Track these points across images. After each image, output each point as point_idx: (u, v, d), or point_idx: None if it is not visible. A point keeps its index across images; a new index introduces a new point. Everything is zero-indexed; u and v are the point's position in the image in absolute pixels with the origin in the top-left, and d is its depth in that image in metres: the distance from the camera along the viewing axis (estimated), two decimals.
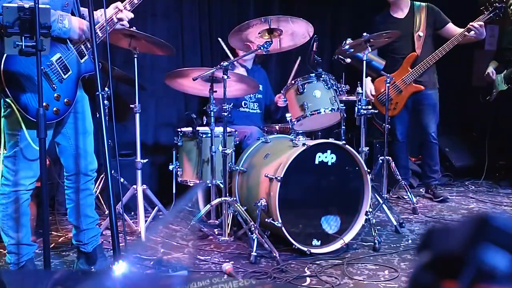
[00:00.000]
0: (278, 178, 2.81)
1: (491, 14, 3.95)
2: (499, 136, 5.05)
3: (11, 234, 2.42)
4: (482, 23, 3.94)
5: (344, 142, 3.01)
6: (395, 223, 3.37)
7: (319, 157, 2.95)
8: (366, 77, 3.39)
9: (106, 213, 3.61)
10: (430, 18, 4.14)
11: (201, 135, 3.45)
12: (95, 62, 1.99)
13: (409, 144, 4.51)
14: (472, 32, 3.95)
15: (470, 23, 3.95)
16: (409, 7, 4.19)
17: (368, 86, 4.16)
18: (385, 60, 4.14)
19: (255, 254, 2.76)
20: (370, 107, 3.38)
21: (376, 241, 2.99)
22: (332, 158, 2.98)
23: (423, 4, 4.19)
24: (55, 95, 2.30)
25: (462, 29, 4.05)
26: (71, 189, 2.59)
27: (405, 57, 4.13)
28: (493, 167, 5.05)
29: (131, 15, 2.49)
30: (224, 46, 3.93)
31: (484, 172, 4.91)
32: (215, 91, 3.20)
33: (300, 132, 3.21)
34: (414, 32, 4.12)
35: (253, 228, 2.83)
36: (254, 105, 4.14)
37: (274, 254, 2.76)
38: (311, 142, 2.96)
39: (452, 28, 4.15)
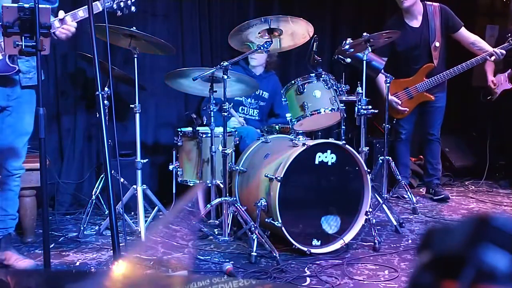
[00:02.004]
0: (278, 178, 2.81)
1: None
2: (499, 136, 5.05)
3: None
4: (504, 51, 4.00)
5: (344, 142, 3.02)
6: (395, 223, 3.37)
7: (319, 157, 2.95)
8: (366, 77, 3.38)
9: (106, 213, 3.61)
10: (444, 24, 4.11)
11: (201, 135, 3.45)
12: (95, 63, 1.99)
13: (410, 144, 4.51)
14: (494, 57, 4.01)
15: (494, 49, 4.01)
16: (422, 12, 4.12)
17: (394, 100, 4.13)
18: (404, 68, 4.17)
19: (255, 254, 2.76)
20: (370, 107, 3.38)
21: (376, 241, 2.99)
22: (332, 158, 2.98)
23: (436, 4, 4.14)
24: None
25: (475, 35, 4.13)
26: None
27: (420, 65, 4.14)
28: (493, 167, 5.05)
29: (74, 25, 2.50)
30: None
31: (485, 173, 4.90)
32: (215, 91, 3.20)
33: (300, 132, 3.21)
34: (430, 42, 4.10)
35: (253, 228, 2.83)
36: (253, 112, 4.08)
37: (274, 254, 2.76)
38: (311, 142, 2.96)
39: (465, 33, 4.17)
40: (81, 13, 2.49)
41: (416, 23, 4.15)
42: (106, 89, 3.12)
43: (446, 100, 4.29)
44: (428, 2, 4.16)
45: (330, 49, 4.82)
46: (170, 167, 3.56)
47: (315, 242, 2.94)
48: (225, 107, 3.06)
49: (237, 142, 3.60)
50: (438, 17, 4.11)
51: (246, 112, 4.07)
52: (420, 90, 4.16)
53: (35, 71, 2.52)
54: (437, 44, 4.11)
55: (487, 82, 4.60)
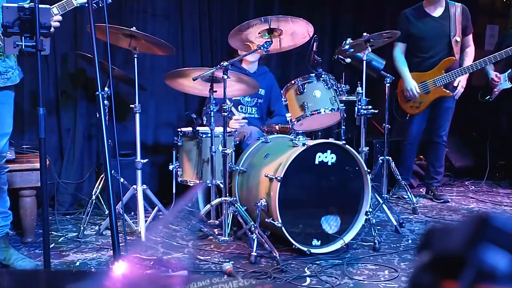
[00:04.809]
0: (278, 178, 2.81)
1: None
2: (499, 136, 5.04)
3: None
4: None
5: (344, 142, 3.01)
6: (395, 223, 3.37)
7: (319, 157, 2.95)
8: (366, 77, 3.38)
9: (106, 213, 3.61)
10: (463, 23, 4.12)
11: (201, 135, 3.45)
12: (95, 63, 1.99)
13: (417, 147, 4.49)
14: None
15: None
16: (444, 6, 4.11)
17: (412, 83, 4.09)
18: (418, 60, 4.14)
19: (255, 254, 2.76)
20: (370, 107, 3.38)
21: (376, 241, 2.99)
22: (332, 158, 2.98)
23: (458, 5, 4.12)
24: None
25: (473, 48, 4.19)
26: None
27: (437, 58, 4.10)
28: (493, 167, 5.05)
29: (59, 18, 2.48)
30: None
31: (486, 173, 4.90)
32: (215, 91, 3.20)
33: (300, 132, 3.21)
34: (450, 35, 4.07)
35: (253, 228, 2.83)
36: (252, 110, 4.08)
37: (274, 254, 2.76)
38: (311, 142, 2.96)
39: (470, 39, 4.20)
40: (55, 10, 2.47)
41: (437, 13, 4.12)
42: (106, 89, 3.12)
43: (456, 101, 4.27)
44: (450, 2, 4.13)
45: (330, 49, 4.82)
46: (170, 167, 3.56)
47: (315, 242, 2.94)
48: (225, 107, 3.06)
49: (237, 142, 3.60)
50: (460, 14, 4.09)
51: (245, 111, 4.06)
52: (438, 85, 4.10)
53: (13, 71, 2.52)
54: (458, 39, 4.08)
55: (489, 76, 4.54)
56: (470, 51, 4.20)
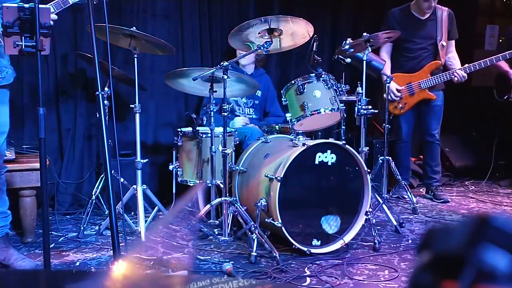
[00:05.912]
0: (278, 178, 2.81)
1: None
2: (499, 136, 5.04)
3: None
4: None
5: (344, 142, 3.02)
6: (395, 223, 3.37)
7: (319, 157, 2.95)
8: (366, 77, 3.38)
9: (106, 213, 3.61)
10: (449, 27, 4.14)
11: (201, 135, 3.45)
12: (95, 63, 1.99)
13: (411, 145, 4.50)
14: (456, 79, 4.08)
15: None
16: (431, 12, 4.13)
17: (391, 88, 4.09)
18: (405, 61, 4.14)
19: (255, 254, 2.76)
20: (370, 107, 3.38)
21: (376, 241, 2.99)
22: (332, 158, 2.98)
23: (445, 9, 4.15)
24: None
25: (456, 53, 4.19)
26: None
27: (423, 59, 4.13)
28: (493, 167, 5.05)
29: (54, 17, 2.44)
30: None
31: (488, 173, 4.89)
32: (215, 91, 3.20)
33: (300, 132, 3.21)
34: (437, 39, 4.10)
35: (253, 228, 2.83)
36: (249, 110, 4.10)
37: (274, 254, 2.76)
38: (311, 142, 2.96)
39: (453, 45, 4.22)
40: (51, 8, 2.45)
41: (423, 15, 4.14)
42: (106, 89, 3.12)
43: (445, 99, 4.28)
44: (437, 5, 4.14)
45: (330, 49, 4.82)
46: (170, 167, 3.56)
47: (315, 242, 2.94)
48: (225, 107, 3.06)
49: (237, 142, 3.60)
50: (446, 19, 4.12)
51: (243, 111, 4.07)
52: (422, 87, 4.14)
53: (6, 70, 2.52)
54: (444, 43, 4.11)
55: (511, 77, 4.47)
56: (456, 56, 4.24)
